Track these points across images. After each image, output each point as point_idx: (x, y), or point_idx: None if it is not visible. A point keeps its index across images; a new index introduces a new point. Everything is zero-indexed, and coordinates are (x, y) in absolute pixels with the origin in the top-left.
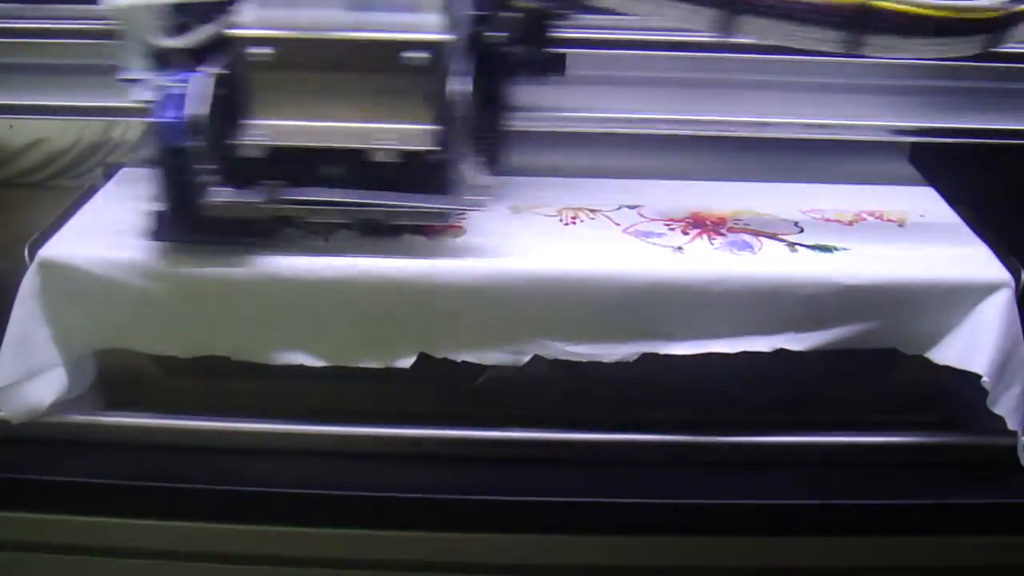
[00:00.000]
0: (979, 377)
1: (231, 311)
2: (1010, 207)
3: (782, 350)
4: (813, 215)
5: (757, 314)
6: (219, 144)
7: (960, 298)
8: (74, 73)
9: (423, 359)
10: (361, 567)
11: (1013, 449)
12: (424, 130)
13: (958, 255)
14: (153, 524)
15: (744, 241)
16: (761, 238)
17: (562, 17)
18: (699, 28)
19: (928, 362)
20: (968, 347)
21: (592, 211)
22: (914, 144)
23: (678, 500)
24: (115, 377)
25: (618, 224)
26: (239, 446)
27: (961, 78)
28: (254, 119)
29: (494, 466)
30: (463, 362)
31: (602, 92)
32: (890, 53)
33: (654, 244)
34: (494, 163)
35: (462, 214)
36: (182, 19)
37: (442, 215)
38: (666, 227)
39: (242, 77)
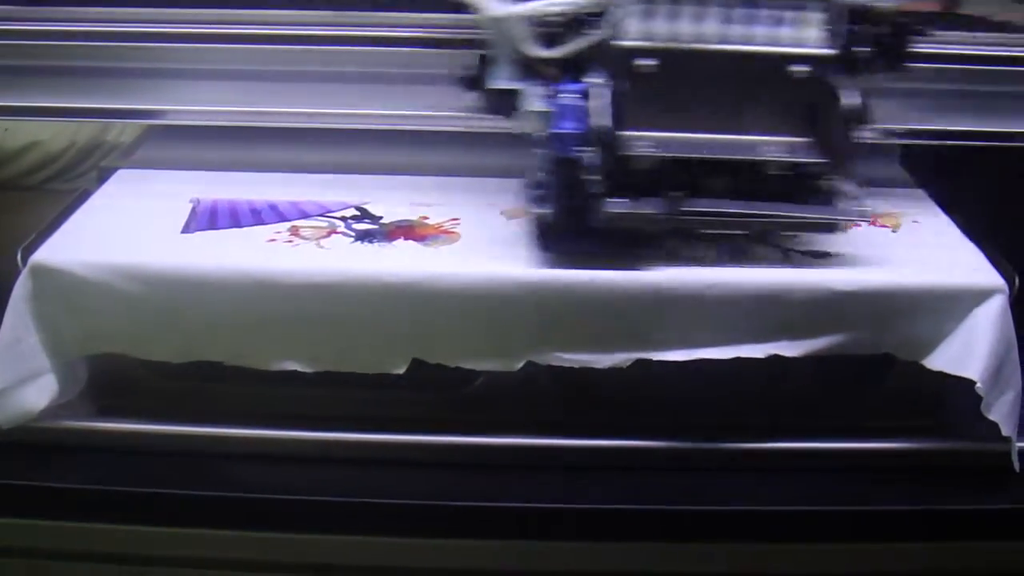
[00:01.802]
0: (973, 383)
1: (223, 316)
2: (1002, 210)
3: (776, 356)
4: None
5: (751, 320)
6: (610, 155)
7: (954, 304)
8: (70, 75)
9: (416, 365)
10: (353, 574)
11: (1007, 455)
12: (808, 142)
13: (952, 261)
14: (143, 530)
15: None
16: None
17: (923, 33)
18: None
19: (922, 368)
20: (962, 353)
21: None
22: (904, 146)
23: (672, 506)
24: (107, 382)
25: None
26: (231, 452)
27: (951, 80)
28: (637, 130)
29: (487, 472)
30: (456, 368)
31: None
32: None
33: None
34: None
35: (848, 224)
36: (552, 30)
37: (830, 226)
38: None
39: (626, 88)
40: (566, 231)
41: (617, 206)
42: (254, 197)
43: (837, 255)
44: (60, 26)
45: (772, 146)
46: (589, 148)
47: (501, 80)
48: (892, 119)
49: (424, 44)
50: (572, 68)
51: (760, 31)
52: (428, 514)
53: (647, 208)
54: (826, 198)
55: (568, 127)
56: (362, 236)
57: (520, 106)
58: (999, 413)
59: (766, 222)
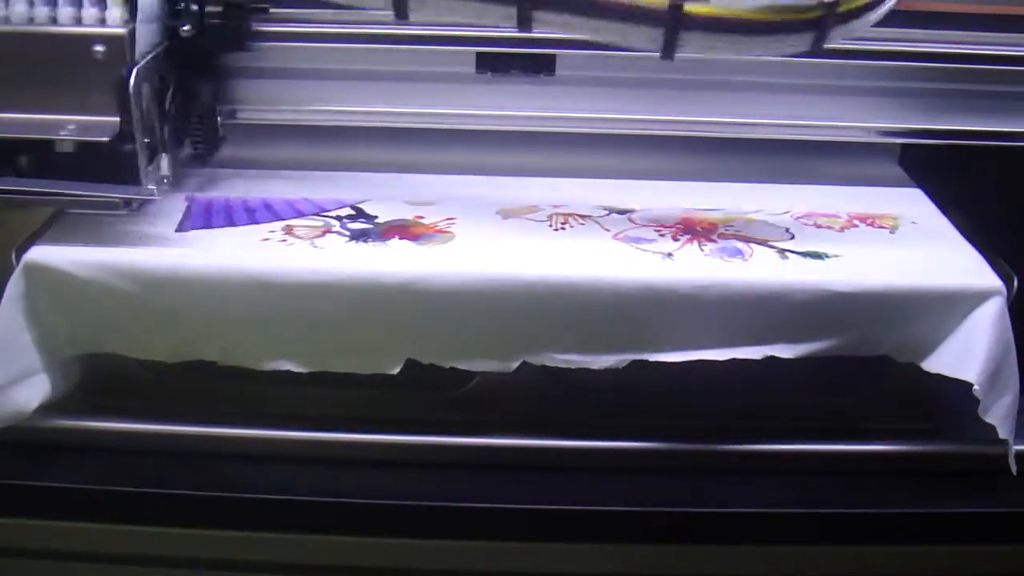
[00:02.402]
0: (971, 385)
1: (218, 316)
2: (1001, 211)
3: (772, 357)
4: (804, 221)
5: (747, 322)
6: None
7: (952, 306)
8: None
9: (411, 365)
10: (349, 575)
11: (1004, 458)
12: (106, 121)
13: (950, 262)
14: (137, 529)
15: (735, 248)
16: (752, 244)
17: (262, 11)
18: (492, 23)
19: (919, 370)
20: (960, 355)
21: (582, 216)
22: (903, 146)
23: (668, 508)
24: (101, 382)
25: (608, 230)
26: (224, 451)
27: (950, 80)
28: None
29: (482, 473)
30: (451, 369)
31: (585, 93)
32: (708, 52)
33: (644, 250)
34: (204, 154)
35: (136, 203)
36: None
37: (113, 203)
38: (656, 233)
39: None
40: None
41: None
42: (250, 194)
43: (835, 256)
44: None
45: (68, 125)
46: None
47: None
48: (890, 119)
49: None
50: None
51: (67, 12)
52: (423, 515)
53: None
54: (129, 176)
55: None
56: (357, 235)
57: None
58: (996, 416)
59: (54, 199)
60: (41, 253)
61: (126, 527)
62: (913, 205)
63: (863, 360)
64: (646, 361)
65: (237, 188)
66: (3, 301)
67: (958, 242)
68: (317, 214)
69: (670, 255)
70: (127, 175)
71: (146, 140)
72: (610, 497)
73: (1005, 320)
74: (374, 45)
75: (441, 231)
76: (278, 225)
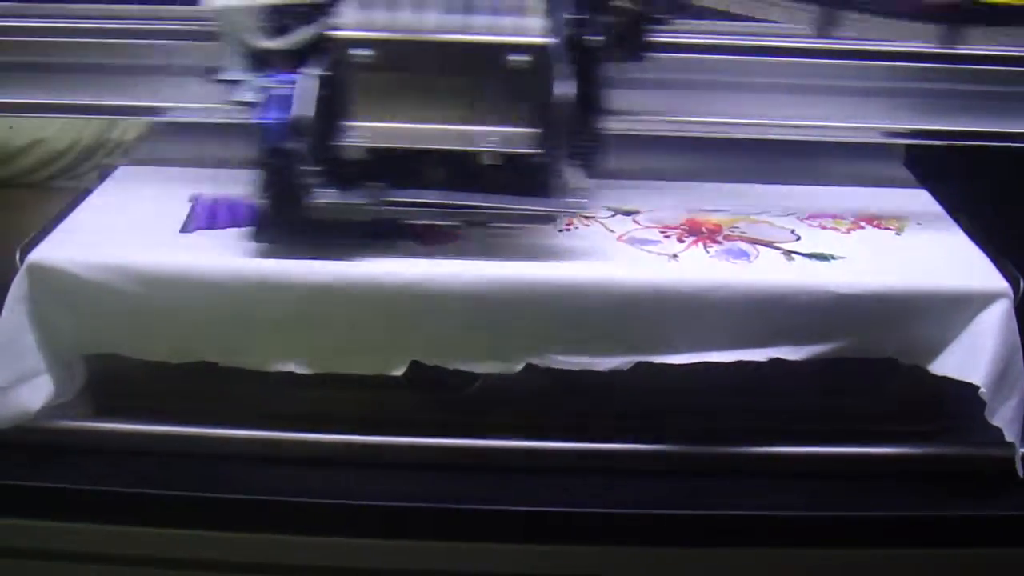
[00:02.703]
0: (977, 388)
1: (221, 317)
2: (1007, 212)
3: (778, 359)
4: (810, 223)
5: (753, 324)
6: (322, 145)
7: (958, 308)
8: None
9: (415, 367)
10: None
11: (1011, 460)
12: (526, 133)
13: (956, 264)
14: (140, 530)
15: (740, 249)
16: (757, 246)
17: (661, 22)
18: (802, 26)
19: (926, 372)
20: (966, 358)
21: (587, 218)
22: (909, 147)
23: (672, 511)
24: (104, 383)
25: (613, 231)
26: (227, 453)
27: (957, 80)
28: (355, 120)
29: (485, 475)
30: (456, 370)
31: None
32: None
33: (649, 252)
34: (591, 166)
35: (563, 216)
36: (280, 21)
37: (544, 217)
38: (661, 235)
39: (343, 79)
40: (278, 221)
41: (324, 196)
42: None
43: (841, 258)
44: (62, 22)
45: (490, 136)
46: (296, 138)
47: (231, 72)
48: (895, 120)
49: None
50: (299, 60)
51: (481, 20)
52: (427, 517)
53: (352, 199)
54: (548, 190)
55: (273, 117)
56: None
57: (235, 97)
58: (1003, 418)
59: (477, 213)
60: (45, 254)
61: (129, 528)
62: (919, 206)
63: (869, 362)
64: (651, 363)
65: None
66: (7, 302)
67: (964, 244)
68: None
69: (675, 257)
70: (543, 188)
71: (563, 152)
72: (613, 500)
73: (1012, 322)
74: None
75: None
76: None
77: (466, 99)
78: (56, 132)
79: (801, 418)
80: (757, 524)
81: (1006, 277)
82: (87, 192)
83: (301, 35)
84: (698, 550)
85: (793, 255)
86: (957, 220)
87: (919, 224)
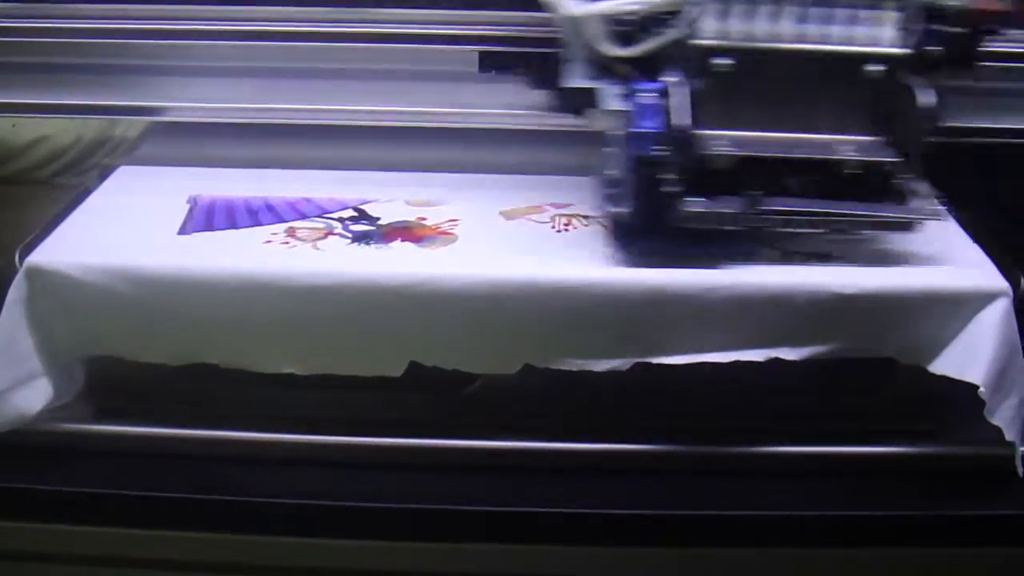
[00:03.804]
0: (977, 387)
1: (220, 319)
2: (1007, 210)
3: (776, 359)
4: None
5: (752, 323)
6: (687, 154)
7: (958, 308)
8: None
9: (414, 367)
10: None
11: (1010, 460)
12: (880, 141)
13: (956, 263)
14: (140, 533)
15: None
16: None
17: (998, 33)
18: None
19: (925, 372)
20: (966, 357)
21: (585, 217)
22: None
23: (672, 511)
24: (104, 385)
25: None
26: (228, 455)
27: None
28: (713, 129)
29: (485, 475)
30: (454, 370)
31: None
32: None
33: None
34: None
35: (920, 223)
36: (626, 29)
37: (904, 224)
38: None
39: (705, 87)
40: (644, 230)
41: (695, 205)
42: (254, 194)
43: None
44: (64, 23)
45: (847, 145)
46: (667, 147)
47: (576, 79)
48: None
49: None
50: (645, 67)
51: (835, 30)
52: (427, 518)
53: (725, 207)
54: (898, 197)
55: (647, 126)
56: (359, 237)
57: (596, 105)
58: (1003, 418)
59: (842, 221)
60: (43, 256)
61: (128, 531)
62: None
63: (868, 362)
64: (650, 363)
65: (240, 187)
66: (5, 304)
67: (964, 242)
68: (319, 216)
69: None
70: (892, 195)
71: (916, 160)
72: (613, 500)
73: (1011, 321)
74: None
75: (444, 233)
76: (280, 227)
77: (822, 108)
78: (59, 129)
79: (800, 417)
80: (756, 524)
81: (1005, 276)
82: (86, 192)
83: (652, 43)
84: (697, 550)
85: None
86: (957, 218)
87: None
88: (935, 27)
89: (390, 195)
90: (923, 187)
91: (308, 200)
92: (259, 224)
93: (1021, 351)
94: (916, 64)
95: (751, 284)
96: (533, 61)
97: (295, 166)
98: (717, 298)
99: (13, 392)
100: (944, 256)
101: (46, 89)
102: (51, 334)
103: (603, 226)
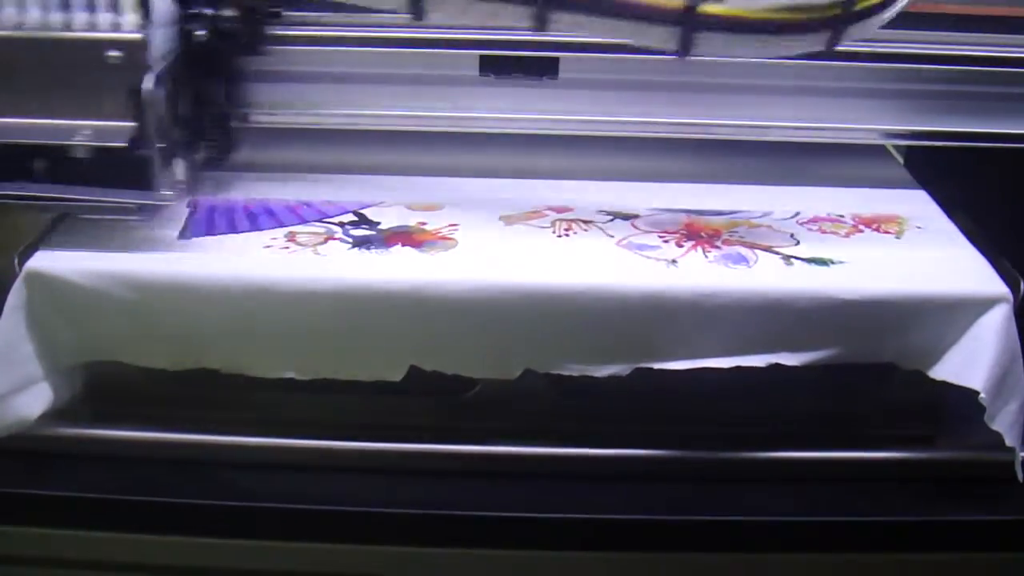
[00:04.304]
0: (977, 393)
1: (220, 324)
2: (1008, 215)
3: (775, 364)
4: (809, 227)
5: (752, 329)
6: None
7: (958, 313)
8: None
9: (414, 372)
10: None
11: (1010, 465)
12: (121, 127)
13: (956, 269)
14: (139, 538)
15: (739, 254)
16: (756, 251)
17: (276, 16)
18: (508, 24)
19: (925, 377)
20: (966, 362)
21: (585, 222)
22: (909, 149)
23: (669, 516)
24: (103, 390)
25: (612, 236)
26: (227, 460)
27: (954, 82)
28: None
29: (485, 480)
30: (454, 375)
31: (588, 95)
32: (724, 52)
33: (648, 257)
34: (220, 159)
35: (153, 208)
36: None
37: (128, 208)
38: (660, 239)
39: None
40: None
41: None
42: (254, 196)
43: (840, 262)
44: None
45: (84, 130)
46: None
47: None
48: (894, 121)
49: None
50: None
51: (82, 17)
52: (427, 523)
53: None
54: (146, 182)
55: None
56: (359, 242)
57: None
58: (1003, 423)
59: (69, 204)
60: (43, 261)
61: (128, 535)
62: (918, 208)
63: (868, 367)
64: (650, 369)
65: (242, 191)
66: (5, 310)
67: (964, 247)
68: (320, 220)
69: (674, 262)
70: (142, 180)
71: (161, 145)
72: (612, 505)
73: (1011, 327)
74: (379, 48)
75: (444, 238)
76: (281, 232)
77: (64, 93)
78: None
79: (800, 422)
80: (753, 529)
81: (1006, 281)
82: None
83: None
84: (696, 555)
85: (792, 260)
86: (956, 221)
87: (919, 227)
88: (199, 12)
89: (390, 199)
90: (179, 171)
91: (308, 204)
92: (259, 228)
93: (1021, 357)
94: (185, 48)
95: (751, 290)
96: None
97: (296, 170)
98: (717, 304)
99: (13, 397)
100: (945, 262)
101: None
102: (50, 339)
103: (603, 231)
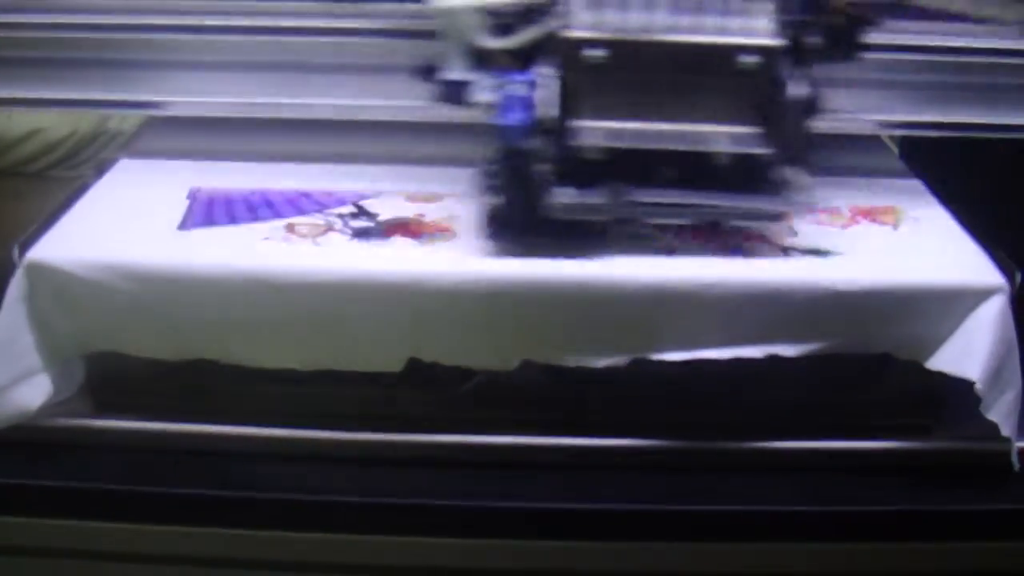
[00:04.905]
0: (973, 383)
1: (220, 315)
2: (1003, 205)
3: (774, 355)
4: (806, 218)
5: (750, 320)
6: (557, 145)
7: (955, 303)
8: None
9: (413, 363)
10: (352, 572)
11: (1007, 455)
12: (755, 132)
13: (952, 259)
14: (141, 528)
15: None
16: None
17: (877, 24)
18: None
19: (921, 367)
20: (962, 353)
21: None
22: (904, 140)
23: (669, 506)
24: (104, 380)
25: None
26: (228, 450)
27: (950, 72)
28: (585, 120)
29: (483, 471)
30: (453, 366)
31: None
32: None
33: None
34: (807, 164)
35: (792, 215)
36: (504, 21)
37: (776, 216)
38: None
39: (576, 78)
40: (515, 221)
41: (564, 196)
42: (255, 187)
43: (837, 253)
44: (60, 16)
45: (721, 136)
46: (535, 138)
47: (454, 71)
48: (891, 111)
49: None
50: (525, 59)
51: (710, 21)
52: (426, 514)
53: (594, 198)
54: (775, 188)
55: (515, 117)
56: (359, 234)
57: (470, 97)
58: (999, 413)
59: (711, 212)
60: (44, 252)
61: (129, 526)
62: (914, 199)
63: (865, 357)
64: (648, 359)
65: (241, 180)
66: (5, 301)
67: (960, 238)
68: (319, 211)
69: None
70: (765, 185)
71: (795, 151)
72: (610, 495)
73: (1007, 317)
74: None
75: (443, 229)
76: (280, 223)
77: (695, 99)
78: (54, 122)
79: (796, 413)
80: (752, 519)
81: (1002, 271)
82: (86, 186)
83: (527, 35)
84: (694, 544)
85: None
86: (953, 213)
87: (915, 218)
88: (814, 17)
89: (389, 189)
90: (803, 178)
91: (307, 196)
92: (259, 220)
93: (1017, 347)
94: (795, 55)
95: (748, 280)
96: None
97: (295, 159)
98: (715, 294)
99: (13, 388)
100: (941, 252)
101: (42, 83)
102: (51, 330)
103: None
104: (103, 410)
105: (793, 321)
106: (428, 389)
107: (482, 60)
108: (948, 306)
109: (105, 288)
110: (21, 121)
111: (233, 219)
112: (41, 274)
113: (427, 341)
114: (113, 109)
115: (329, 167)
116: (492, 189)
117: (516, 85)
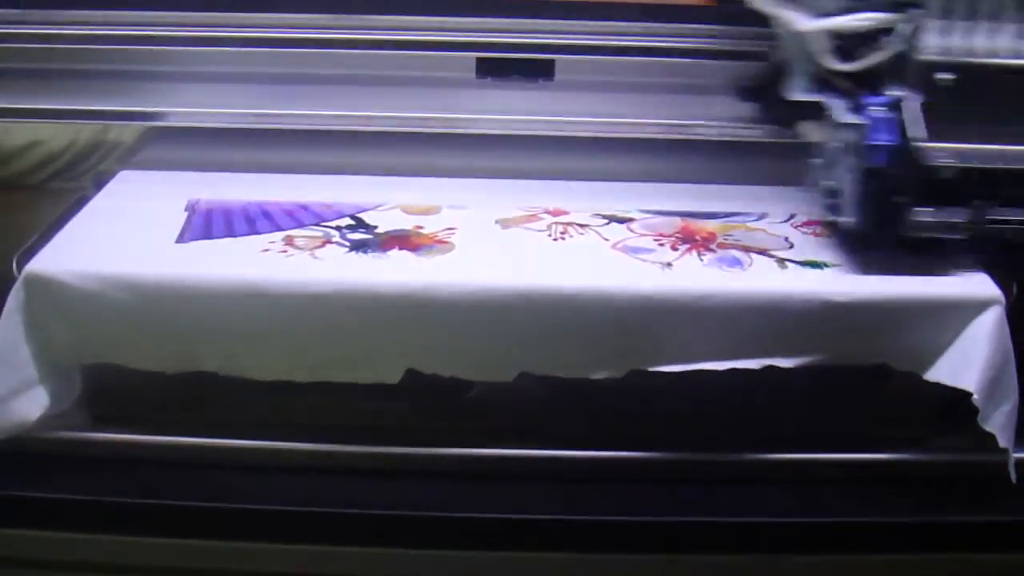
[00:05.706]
0: (970, 394)
1: (218, 327)
2: None
3: (771, 366)
4: (803, 230)
5: (747, 331)
6: (919, 165)
7: (951, 315)
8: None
9: (411, 375)
10: None
11: (1004, 466)
12: None
13: (949, 271)
14: (138, 541)
15: (734, 257)
16: (751, 254)
17: None
18: None
19: (918, 379)
20: (959, 364)
21: (581, 226)
22: None
23: (668, 518)
24: (102, 393)
25: (607, 239)
26: (224, 463)
27: None
28: (936, 141)
29: (482, 482)
30: (451, 378)
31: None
32: None
33: (643, 260)
34: None
35: None
36: (846, 44)
37: None
38: (655, 243)
39: (927, 101)
40: (873, 240)
41: (924, 215)
42: (254, 198)
43: (834, 265)
44: (61, 29)
45: None
46: (899, 159)
47: (798, 92)
48: None
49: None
50: (862, 81)
51: None
52: (425, 525)
53: (954, 217)
54: None
55: (882, 139)
56: (356, 246)
57: (813, 117)
58: (996, 424)
59: None
60: (42, 264)
61: (127, 538)
62: None
63: (862, 369)
64: (645, 371)
65: (240, 192)
66: (4, 312)
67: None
68: (317, 224)
69: (669, 265)
70: None
71: None
72: (608, 507)
73: (1004, 329)
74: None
75: (440, 241)
76: (278, 236)
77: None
78: (53, 133)
79: (794, 424)
80: (751, 531)
81: (998, 282)
82: (85, 198)
83: (874, 58)
84: (693, 556)
85: (786, 263)
86: None
87: None
88: None
89: (388, 200)
90: None
91: (306, 208)
92: (257, 232)
93: (1014, 358)
94: None
95: (746, 292)
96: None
97: (294, 171)
98: (712, 307)
99: (11, 400)
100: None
101: (41, 94)
102: (49, 342)
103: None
104: (100, 422)
105: (790, 333)
106: (426, 401)
107: (823, 83)
108: (945, 318)
109: (103, 300)
110: (20, 132)
111: (231, 231)
112: (40, 286)
113: (425, 353)
114: (112, 121)
115: (329, 179)
116: (839, 209)
117: (878, 108)
